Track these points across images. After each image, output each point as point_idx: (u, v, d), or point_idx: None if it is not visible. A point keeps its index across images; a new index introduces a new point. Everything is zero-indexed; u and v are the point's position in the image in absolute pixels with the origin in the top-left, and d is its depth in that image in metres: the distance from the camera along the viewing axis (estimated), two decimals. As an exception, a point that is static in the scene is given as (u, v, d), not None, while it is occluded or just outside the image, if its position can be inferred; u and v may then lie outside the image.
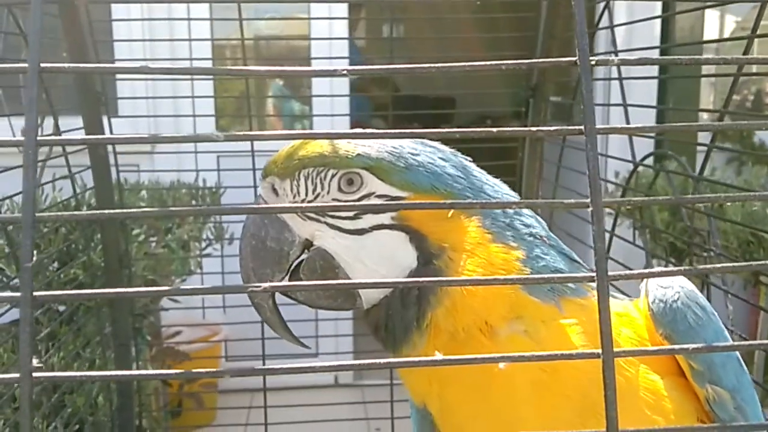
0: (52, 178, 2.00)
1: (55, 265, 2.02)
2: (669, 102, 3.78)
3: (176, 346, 2.67)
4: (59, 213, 0.60)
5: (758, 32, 1.15)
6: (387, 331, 0.77)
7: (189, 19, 2.62)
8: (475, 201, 0.77)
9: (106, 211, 0.58)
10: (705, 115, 4.63)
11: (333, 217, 0.77)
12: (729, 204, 2.25)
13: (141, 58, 2.86)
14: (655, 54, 3.47)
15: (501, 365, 0.59)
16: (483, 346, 0.72)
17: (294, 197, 0.79)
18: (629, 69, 3.33)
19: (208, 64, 2.93)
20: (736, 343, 0.56)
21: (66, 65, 0.56)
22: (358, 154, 0.76)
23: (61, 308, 1.96)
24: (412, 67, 0.55)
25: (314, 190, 0.78)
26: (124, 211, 0.55)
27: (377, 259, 0.76)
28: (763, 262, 0.53)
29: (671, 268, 0.60)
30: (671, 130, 0.57)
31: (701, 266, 0.67)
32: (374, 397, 2.44)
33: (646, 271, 0.55)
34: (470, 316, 0.73)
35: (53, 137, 0.49)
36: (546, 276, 0.63)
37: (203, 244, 2.57)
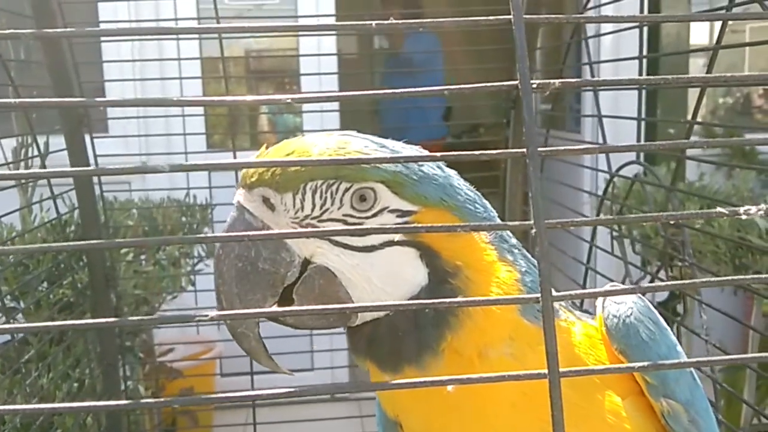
0: (40, 198, 2.03)
1: (45, 285, 2.03)
2: (659, 107, 3.79)
3: (170, 363, 2.67)
4: (18, 247, 0.62)
5: (752, 34, 1.16)
6: (390, 350, 0.72)
7: (178, 39, 2.65)
8: (439, 225, 0.72)
9: (66, 244, 0.59)
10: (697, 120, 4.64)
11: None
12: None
13: (130, 78, 2.88)
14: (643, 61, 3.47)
15: (449, 388, 0.59)
16: (474, 367, 0.71)
17: (296, 213, 0.71)
18: (617, 75, 3.34)
19: (198, 81, 2.96)
20: (683, 360, 0.57)
21: (17, 101, 0.57)
22: (375, 166, 0.71)
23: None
24: (358, 93, 0.57)
25: (323, 205, 0.71)
26: (86, 242, 0.56)
27: (385, 277, 0.72)
28: (710, 278, 0.54)
29: (621, 286, 0.61)
30: (616, 150, 0.57)
31: (647, 284, 0.68)
32: (371, 411, 2.43)
33: (591, 291, 0.56)
34: (483, 339, 0.72)
35: (4, 172, 0.51)
36: (493, 298, 0.64)
37: (194, 261, 2.58)
